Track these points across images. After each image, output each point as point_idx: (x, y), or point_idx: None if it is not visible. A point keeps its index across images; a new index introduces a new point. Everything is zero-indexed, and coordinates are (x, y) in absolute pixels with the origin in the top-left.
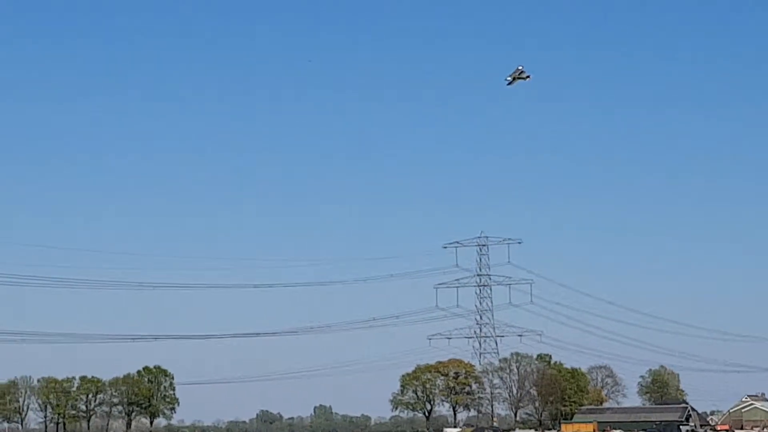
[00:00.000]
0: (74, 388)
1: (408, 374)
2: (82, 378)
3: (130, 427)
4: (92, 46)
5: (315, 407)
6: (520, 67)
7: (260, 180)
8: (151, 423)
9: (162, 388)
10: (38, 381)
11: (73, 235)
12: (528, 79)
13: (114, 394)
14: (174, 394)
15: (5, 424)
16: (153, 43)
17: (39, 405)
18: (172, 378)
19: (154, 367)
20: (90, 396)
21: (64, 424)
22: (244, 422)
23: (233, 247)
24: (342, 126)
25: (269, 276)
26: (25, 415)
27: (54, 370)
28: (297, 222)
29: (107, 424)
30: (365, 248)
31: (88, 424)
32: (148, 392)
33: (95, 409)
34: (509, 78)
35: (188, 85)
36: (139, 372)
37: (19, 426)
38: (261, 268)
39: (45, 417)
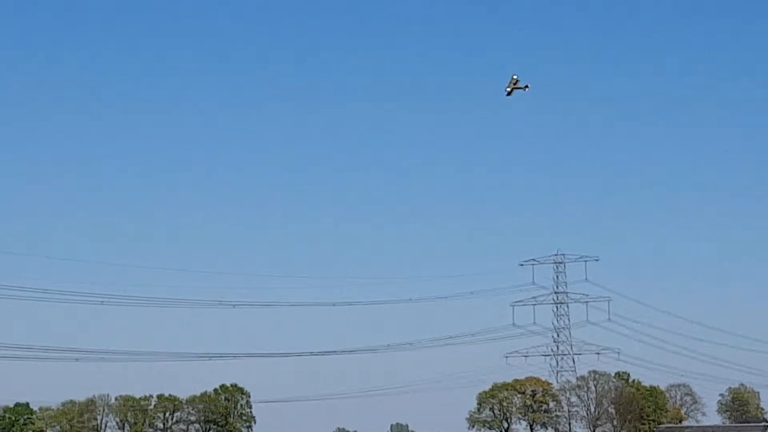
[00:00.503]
0: (152, 407)
1: (485, 392)
2: (160, 396)
3: None
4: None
5: (392, 425)
6: (515, 77)
7: (338, 198)
8: None
9: (239, 406)
10: (116, 399)
11: (152, 254)
12: (527, 89)
13: (191, 412)
14: (251, 412)
15: None
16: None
17: (117, 423)
18: (249, 396)
19: (231, 385)
20: (167, 414)
21: None
22: None
23: (310, 266)
24: (421, 144)
25: (347, 294)
26: None
27: (132, 389)
28: (374, 240)
29: None
30: (442, 266)
31: None
32: (225, 410)
33: (172, 427)
34: (507, 89)
35: (275, 101)
36: (215, 390)
37: None
38: (338, 287)
39: None
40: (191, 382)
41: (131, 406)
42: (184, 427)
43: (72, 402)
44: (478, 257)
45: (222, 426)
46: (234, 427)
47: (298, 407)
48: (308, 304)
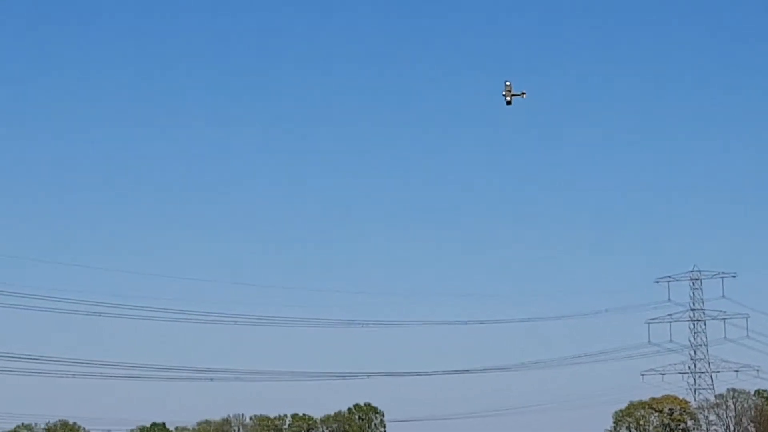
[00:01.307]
0: (286, 426)
1: (621, 411)
2: (294, 416)
3: None
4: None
5: None
6: (508, 83)
7: (462, 218)
8: None
9: (372, 425)
10: (251, 419)
11: (284, 274)
12: (524, 96)
13: (325, 431)
14: (385, 431)
15: None
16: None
17: None
18: (383, 415)
19: (365, 405)
20: None
21: None
22: None
23: (441, 284)
24: (548, 154)
25: (478, 313)
26: None
27: (266, 408)
28: (502, 258)
29: None
30: (575, 284)
31: None
32: (359, 429)
33: None
34: (507, 98)
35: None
36: (349, 409)
37: None
38: (470, 306)
39: None
40: (325, 401)
41: (266, 426)
42: None
43: (207, 422)
44: (612, 275)
45: None
46: None
47: (432, 426)
48: (440, 323)
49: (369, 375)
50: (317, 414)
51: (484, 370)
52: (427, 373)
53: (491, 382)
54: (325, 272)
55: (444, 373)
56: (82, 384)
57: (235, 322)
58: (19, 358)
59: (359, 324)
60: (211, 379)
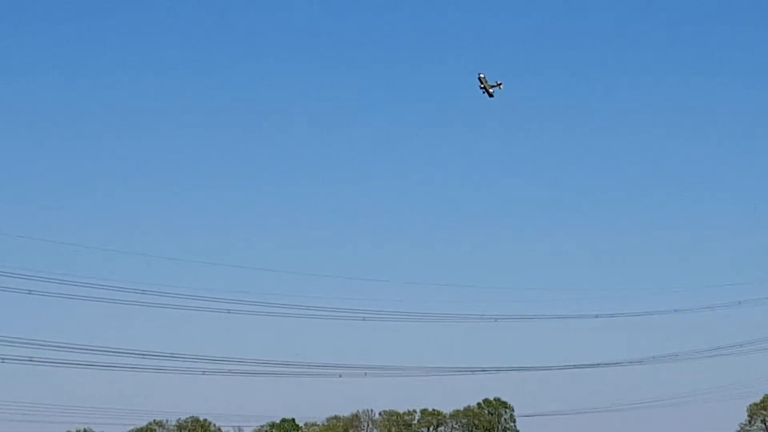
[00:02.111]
0: (415, 421)
1: (756, 404)
2: (423, 411)
3: None
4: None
5: None
6: (482, 75)
7: (581, 210)
8: None
9: (502, 420)
10: (380, 414)
11: (398, 269)
12: (501, 86)
13: (455, 426)
14: (515, 426)
15: None
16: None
17: None
18: (512, 410)
19: (494, 399)
20: (431, 428)
21: None
22: None
23: (566, 279)
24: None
25: (605, 306)
26: None
27: (395, 403)
28: (627, 251)
29: None
30: (706, 276)
31: None
32: (488, 424)
33: None
34: (490, 90)
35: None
36: (479, 404)
37: None
38: (596, 299)
39: None
40: (454, 396)
41: (395, 421)
42: None
43: (336, 417)
44: (748, 266)
45: None
46: None
47: (562, 421)
48: (568, 317)
49: (498, 369)
50: (446, 409)
51: (615, 364)
52: (556, 368)
53: (622, 376)
54: (456, 268)
55: (574, 367)
56: (212, 381)
57: (364, 318)
58: (151, 355)
59: (489, 318)
60: (340, 375)
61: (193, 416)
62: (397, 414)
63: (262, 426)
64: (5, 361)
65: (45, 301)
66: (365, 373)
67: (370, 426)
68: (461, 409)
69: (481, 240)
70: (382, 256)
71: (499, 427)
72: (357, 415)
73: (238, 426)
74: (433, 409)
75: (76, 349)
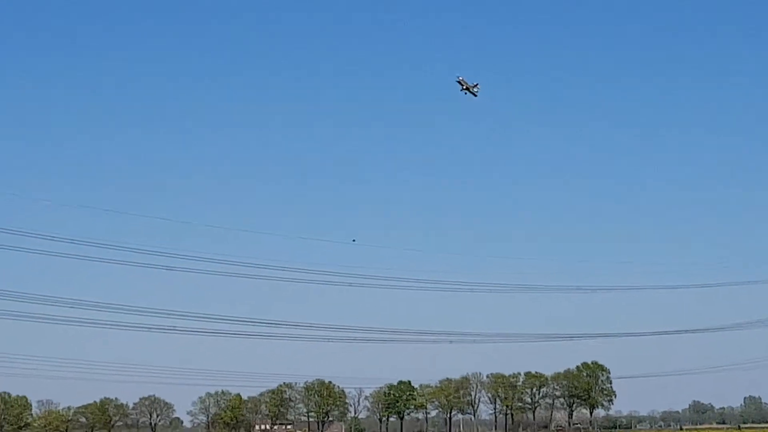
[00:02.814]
0: (519, 383)
1: None
2: (527, 374)
3: (571, 417)
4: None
5: (745, 398)
6: (460, 78)
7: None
8: (591, 413)
9: (599, 381)
10: (487, 377)
11: (502, 246)
12: (477, 87)
13: (556, 387)
14: (611, 387)
15: (460, 416)
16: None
17: (489, 398)
18: (609, 372)
19: (592, 363)
20: (534, 390)
21: (512, 414)
22: (677, 412)
23: (660, 253)
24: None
25: (698, 276)
26: (477, 407)
27: (501, 367)
28: (711, 223)
29: (551, 415)
30: None
31: (533, 415)
32: (587, 386)
33: (539, 401)
34: (472, 91)
35: None
36: (578, 367)
37: (472, 416)
38: (684, 270)
39: (494, 409)
40: (555, 360)
41: (501, 383)
42: (550, 401)
43: (448, 380)
44: None
45: (585, 400)
46: (596, 401)
47: (656, 382)
48: (662, 288)
49: (595, 336)
50: (548, 372)
51: (703, 330)
52: (648, 333)
53: (711, 340)
54: (547, 244)
55: (664, 333)
56: (337, 347)
57: (472, 290)
58: (282, 324)
59: (586, 289)
60: (451, 341)
61: (318, 378)
62: (503, 376)
63: (381, 387)
64: (151, 330)
65: (187, 277)
66: (473, 340)
67: (479, 387)
68: (561, 371)
69: (580, 216)
70: (489, 233)
71: (597, 388)
72: (467, 378)
73: (360, 387)
74: (536, 372)
75: (214, 319)
